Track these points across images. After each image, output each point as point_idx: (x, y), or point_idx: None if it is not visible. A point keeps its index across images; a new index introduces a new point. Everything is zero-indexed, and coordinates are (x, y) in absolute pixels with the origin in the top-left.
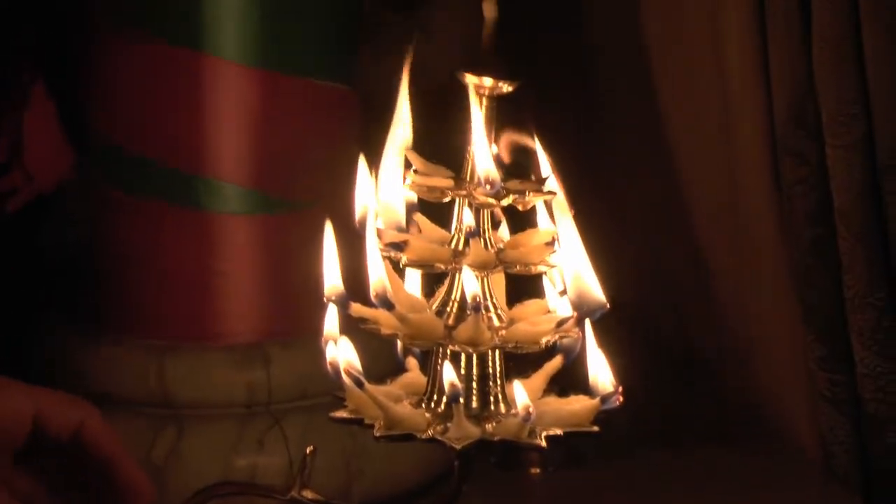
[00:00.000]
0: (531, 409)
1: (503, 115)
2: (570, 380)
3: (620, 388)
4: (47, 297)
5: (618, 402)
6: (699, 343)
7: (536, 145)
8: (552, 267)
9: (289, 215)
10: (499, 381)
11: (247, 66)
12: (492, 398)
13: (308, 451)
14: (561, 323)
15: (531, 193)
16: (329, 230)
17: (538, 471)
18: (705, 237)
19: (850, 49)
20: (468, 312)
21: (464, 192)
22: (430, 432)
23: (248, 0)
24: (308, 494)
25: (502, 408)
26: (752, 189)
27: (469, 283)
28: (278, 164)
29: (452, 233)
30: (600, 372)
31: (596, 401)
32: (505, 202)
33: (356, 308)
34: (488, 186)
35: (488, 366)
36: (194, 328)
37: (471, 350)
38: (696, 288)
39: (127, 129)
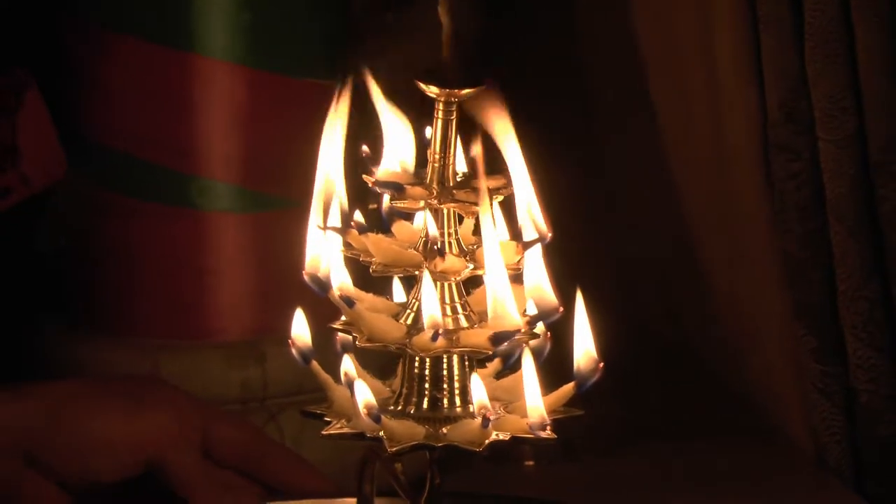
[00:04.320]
0: (372, 408)
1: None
2: None
3: (550, 428)
4: (41, 297)
5: (546, 436)
6: (692, 337)
7: (509, 151)
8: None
9: (279, 212)
10: (456, 383)
11: (235, 64)
12: (445, 401)
13: None
14: (497, 339)
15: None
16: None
17: (532, 463)
18: (697, 232)
19: (841, 46)
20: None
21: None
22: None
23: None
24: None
25: (457, 410)
26: (744, 183)
27: (336, 275)
28: (268, 162)
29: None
30: (534, 401)
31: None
32: (400, 204)
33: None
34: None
35: (442, 367)
36: (188, 326)
37: (372, 347)
38: (689, 282)
39: (117, 130)
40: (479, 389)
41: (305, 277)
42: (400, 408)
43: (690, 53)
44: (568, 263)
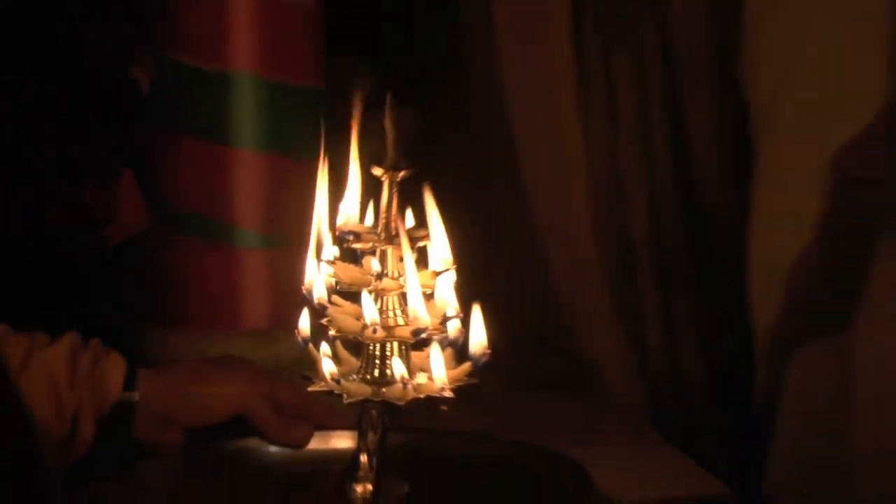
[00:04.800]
0: (333, 375)
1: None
2: None
3: (449, 391)
4: (132, 302)
5: (447, 395)
6: (553, 328)
7: (428, 211)
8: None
9: (284, 247)
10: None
11: (257, 151)
12: (388, 371)
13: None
14: (414, 333)
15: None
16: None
17: (446, 408)
18: (553, 258)
19: (642, 145)
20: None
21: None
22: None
23: (260, 110)
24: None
25: (388, 377)
26: (584, 220)
27: (317, 288)
28: (279, 215)
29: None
30: (438, 373)
31: (399, 386)
32: (358, 246)
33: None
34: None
35: (386, 350)
36: (226, 320)
37: (340, 336)
38: (547, 290)
39: (182, 196)
40: (398, 366)
41: (304, 291)
42: (361, 375)
43: (553, 133)
44: (478, 281)
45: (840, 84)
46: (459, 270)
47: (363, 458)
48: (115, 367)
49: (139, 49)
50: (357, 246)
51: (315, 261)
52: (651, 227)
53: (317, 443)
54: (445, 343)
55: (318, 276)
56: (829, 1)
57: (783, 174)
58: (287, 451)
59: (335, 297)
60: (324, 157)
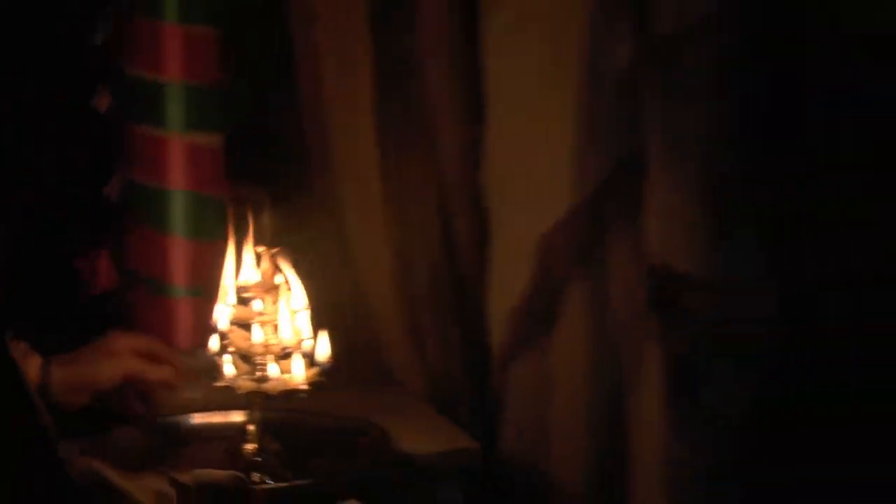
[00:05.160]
0: (230, 377)
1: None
2: None
3: (306, 385)
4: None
5: (303, 387)
6: (369, 342)
7: (291, 274)
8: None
9: (201, 296)
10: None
11: (185, 237)
12: (267, 373)
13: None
14: (282, 349)
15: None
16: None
17: (304, 396)
18: (373, 297)
19: (422, 225)
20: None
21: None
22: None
23: (187, 211)
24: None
25: (266, 377)
26: (387, 274)
27: (222, 321)
28: (199, 275)
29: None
30: (298, 373)
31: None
32: (248, 294)
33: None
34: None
35: (265, 359)
36: (166, 342)
37: (238, 351)
38: (368, 319)
39: (135, 264)
40: (273, 370)
41: (213, 323)
42: (249, 376)
43: (370, 215)
44: (322, 314)
45: (542, 186)
46: (311, 308)
47: (250, 427)
48: (33, 360)
49: (112, 174)
50: (248, 294)
51: (221, 304)
52: (430, 279)
53: (220, 418)
54: (303, 355)
55: (223, 313)
56: (532, 134)
57: (509, 245)
58: (202, 423)
59: (233, 327)
60: (228, 240)
